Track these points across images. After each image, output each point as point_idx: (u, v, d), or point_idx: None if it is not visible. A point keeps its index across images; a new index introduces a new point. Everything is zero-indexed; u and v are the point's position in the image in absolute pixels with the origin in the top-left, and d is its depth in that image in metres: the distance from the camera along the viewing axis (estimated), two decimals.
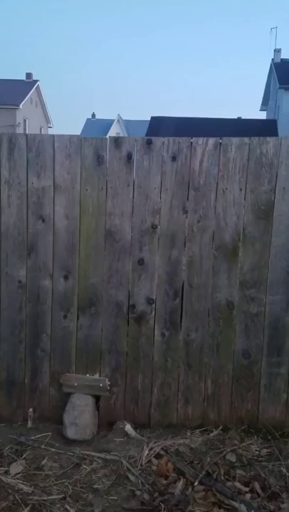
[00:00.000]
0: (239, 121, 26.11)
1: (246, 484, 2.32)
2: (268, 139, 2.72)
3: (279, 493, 2.25)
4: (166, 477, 2.39)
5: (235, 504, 2.13)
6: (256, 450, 2.66)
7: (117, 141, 2.84)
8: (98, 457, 2.61)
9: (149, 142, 2.80)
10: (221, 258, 2.85)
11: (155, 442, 2.69)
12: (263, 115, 30.79)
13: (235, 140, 2.74)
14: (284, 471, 2.45)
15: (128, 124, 45.65)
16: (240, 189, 2.78)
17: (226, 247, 2.84)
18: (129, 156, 2.81)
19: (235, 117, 27.04)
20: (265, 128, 21.98)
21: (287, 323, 2.84)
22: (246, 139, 2.74)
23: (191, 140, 2.77)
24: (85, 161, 2.84)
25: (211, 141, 2.76)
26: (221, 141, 2.74)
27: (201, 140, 2.76)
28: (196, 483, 2.31)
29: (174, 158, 2.79)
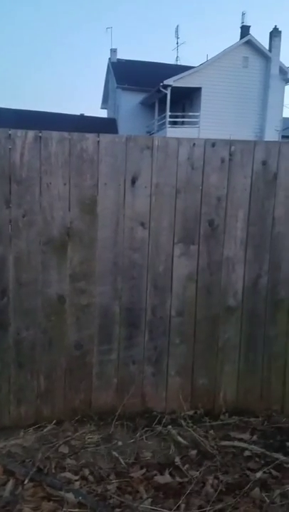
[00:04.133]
0: (82, 117, 26.35)
1: (76, 473, 2.36)
2: (87, 135, 2.78)
3: (106, 475, 2.35)
4: None
5: (63, 494, 2.16)
6: (89, 438, 2.74)
7: None
8: None
9: None
10: (50, 253, 2.83)
11: None
12: (104, 113, 31.60)
13: (55, 134, 2.74)
14: (113, 453, 2.57)
15: None
16: (65, 184, 2.79)
17: (54, 241, 2.83)
18: None
19: (79, 114, 27.18)
20: (106, 125, 22.65)
21: (116, 311, 2.97)
22: (66, 134, 2.76)
23: (10, 132, 2.67)
24: None
25: (31, 133, 2.70)
26: (40, 134, 2.71)
27: (20, 132, 2.68)
28: (26, 481, 2.27)
29: None
